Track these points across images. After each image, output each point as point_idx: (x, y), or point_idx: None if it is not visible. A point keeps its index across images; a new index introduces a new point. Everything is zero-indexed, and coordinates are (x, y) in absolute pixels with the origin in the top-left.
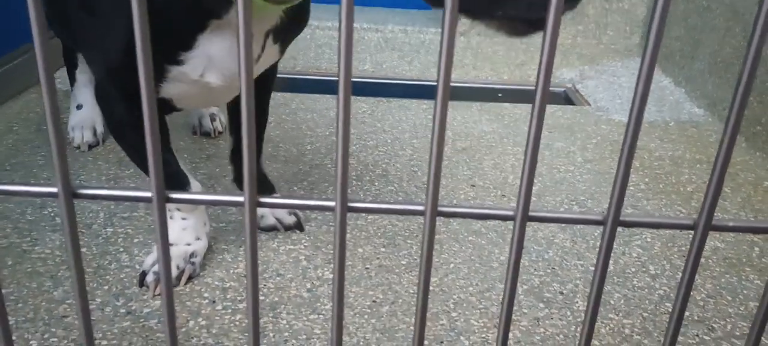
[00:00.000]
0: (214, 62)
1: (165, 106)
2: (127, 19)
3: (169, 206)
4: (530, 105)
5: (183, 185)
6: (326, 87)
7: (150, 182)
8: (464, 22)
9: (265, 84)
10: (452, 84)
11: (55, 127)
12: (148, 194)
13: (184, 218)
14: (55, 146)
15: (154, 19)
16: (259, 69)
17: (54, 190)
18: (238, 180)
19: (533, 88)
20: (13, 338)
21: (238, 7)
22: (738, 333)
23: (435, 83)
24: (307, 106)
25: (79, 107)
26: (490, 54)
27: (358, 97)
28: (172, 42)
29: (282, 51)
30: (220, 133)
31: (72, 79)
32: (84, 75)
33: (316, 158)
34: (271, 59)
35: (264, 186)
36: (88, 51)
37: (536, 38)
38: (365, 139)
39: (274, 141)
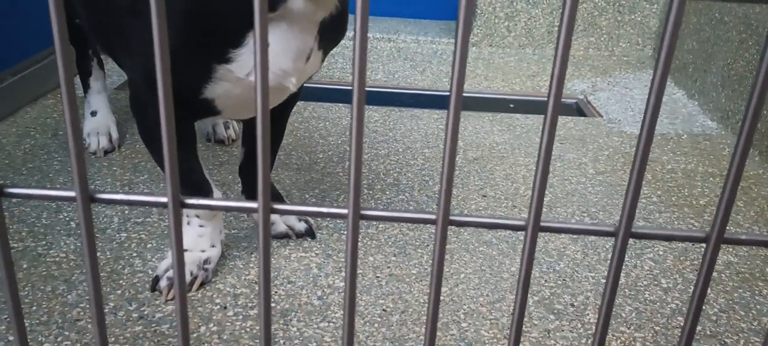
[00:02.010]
0: None
1: (205, 109)
2: (170, 22)
3: (188, 212)
4: (542, 116)
5: (206, 192)
6: (338, 96)
7: (166, 188)
8: (476, 33)
9: (289, 103)
10: (464, 94)
11: (74, 132)
12: (164, 200)
13: (201, 225)
14: (74, 151)
15: (203, 16)
16: (306, 73)
17: (72, 194)
18: (247, 192)
19: (545, 99)
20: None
21: (255, 32)
22: None
23: (446, 93)
24: (319, 115)
25: (93, 114)
26: (501, 65)
27: (370, 107)
28: (221, 40)
29: (323, 60)
30: (233, 140)
31: (86, 87)
32: (98, 82)
33: (328, 167)
34: (313, 68)
35: (273, 197)
36: (127, 56)
37: (549, 50)
38: (377, 148)
39: (286, 149)
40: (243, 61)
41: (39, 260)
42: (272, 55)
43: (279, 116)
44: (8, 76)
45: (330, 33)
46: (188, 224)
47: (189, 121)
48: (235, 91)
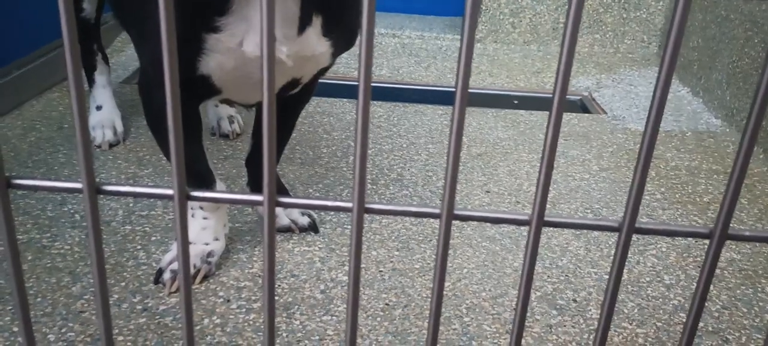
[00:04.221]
0: (253, 27)
1: (204, 88)
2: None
3: (192, 204)
4: (546, 112)
5: (209, 183)
6: (342, 91)
7: (172, 180)
8: (481, 29)
9: (301, 97)
10: (468, 90)
11: (81, 123)
12: (170, 192)
13: (205, 218)
14: (81, 143)
15: None
16: (309, 59)
17: (79, 185)
18: (252, 185)
19: (549, 95)
20: None
21: (262, 27)
22: (752, 345)
23: (451, 89)
24: (323, 110)
25: (98, 108)
26: (506, 61)
27: (375, 102)
28: (206, 8)
29: (333, 55)
30: (238, 135)
31: (91, 81)
32: (103, 77)
33: (332, 161)
34: (322, 60)
35: (278, 190)
36: (138, 35)
37: (553, 46)
38: (381, 143)
39: (290, 143)
40: (231, 29)
41: (44, 252)
42: (256, 23)
43: (290, 110)
44: (13, 69)
45: (337, 27)
46: (192, 216)
47: (192, 104)
48: (228, 64)
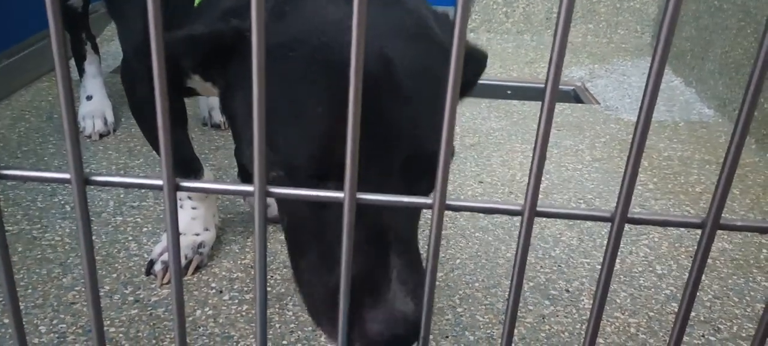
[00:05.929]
0: None
1: (187, 92)
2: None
3: (180, 194)
4: (539, 103)
5: (195, 170)
6: None
7: (161, 171)
8: (474, 19)
9: None
10: (461, 80)
11: (68, 114)
12: (159, 182)
13: (194, 207)
14: (69, 133)
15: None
16: None
17: (67, 176)
18: (243, 175)
19: (542, 85)
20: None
21: (253, 26)
22: (744, 335)
23: None
24: None
25: (89, 98)
26: (499, 51)
27: None
28: None
29: None
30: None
31: (81, 71)
32: (93, 66)
33: None
34: None
35: None
36: (121, 25)
37: (547, 36)
38: None
39: None
40: None
41: (34, 244)
42: None
43: None
44: (2, 59)
45: None
46: (181, 207)
47: (177, 95)
48: None
